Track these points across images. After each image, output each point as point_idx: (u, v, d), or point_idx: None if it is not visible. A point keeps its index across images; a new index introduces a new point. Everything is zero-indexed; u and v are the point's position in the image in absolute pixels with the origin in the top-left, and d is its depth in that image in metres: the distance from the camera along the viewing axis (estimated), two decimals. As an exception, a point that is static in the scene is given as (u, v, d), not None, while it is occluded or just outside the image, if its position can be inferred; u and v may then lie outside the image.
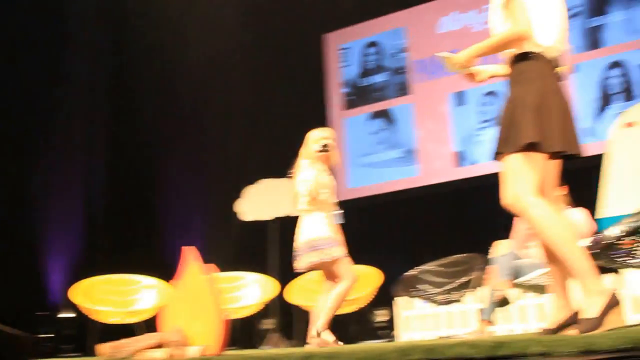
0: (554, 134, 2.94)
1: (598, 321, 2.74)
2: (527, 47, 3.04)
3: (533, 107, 2.94)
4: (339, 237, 5.04)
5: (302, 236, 5.00)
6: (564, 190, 5.36)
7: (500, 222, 5.33)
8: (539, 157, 2.97)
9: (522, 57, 3.05)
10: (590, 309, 2.78)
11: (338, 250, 4.90)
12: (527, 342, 2.12)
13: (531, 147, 2.93)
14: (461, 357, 1.86)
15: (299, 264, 5.00)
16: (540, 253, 3.15)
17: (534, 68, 3.04)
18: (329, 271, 4.98)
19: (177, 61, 10.22)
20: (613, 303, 2.80)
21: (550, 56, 3.07)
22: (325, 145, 5.15)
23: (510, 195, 3.00)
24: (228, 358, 3.36)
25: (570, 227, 2.98)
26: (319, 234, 4.92)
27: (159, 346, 3.98)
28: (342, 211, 5.15)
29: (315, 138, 5.27)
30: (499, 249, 5.17)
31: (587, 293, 2.82)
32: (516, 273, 5.13)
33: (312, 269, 5.08)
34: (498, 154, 3.06)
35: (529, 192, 2.96)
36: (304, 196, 5.01)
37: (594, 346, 1.95)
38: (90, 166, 10.34)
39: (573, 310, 3.05)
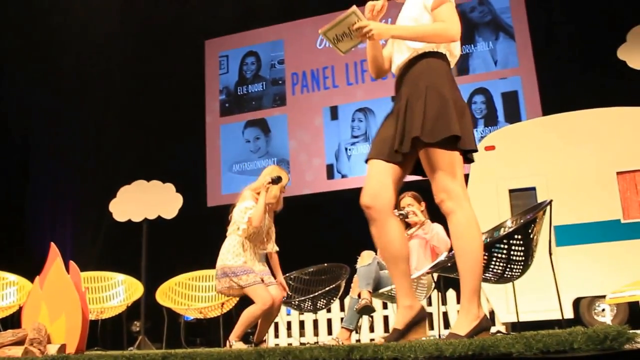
0: (469, 132, 2.98)
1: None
2: (441, 48, 3.11)
3: (452, 102, 2.96)
4: (257, 265, 5.26)
5: (219, 261, 5.26)
6: (422, 206, 5.55)
7: (367, 233, 5.44)
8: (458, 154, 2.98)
9: (434, 55, 3.10)
10: (463, 328, 2.82)
11: (248, 278, 5.06)
12: (378, 347, 2.16)
13: (454, 141, 2.92)
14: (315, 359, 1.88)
15: (217, 286, 5.25)
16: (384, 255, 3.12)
17: (444, 68, 3.10)
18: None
19: (56, 56, 9.91)
20: (484, 327, 2.86)
21: (453, 64, 3.19)
22: (275, 179, 5.28)
23: (442, 190, 2.96)
24: (85, 357, 3.28)
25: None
26: (231, 262, 5.17)
27: (19, 343, 3.85)
28: (265, 252, 5.39)
29: (269, 171, 5.48)
30: (365, 259, 5.26)
31: (466, 312, 2.87)
32: (379, 283, 5.25)
33: (225, 293, 5.29)
34: (418, 143, 2.94)
35: (463, 192, 2.98)
36: (236, 223, 5.30)
37: (443, 352, 2.01)
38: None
39: (418, 308, 3.08)
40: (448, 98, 2.96)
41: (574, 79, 8.41)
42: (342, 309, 7.89)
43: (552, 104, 8.26)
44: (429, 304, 7.60)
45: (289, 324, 8.23)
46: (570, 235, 6.62)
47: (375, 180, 3.09)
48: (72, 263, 4.42)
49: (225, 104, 10.40)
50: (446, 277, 5.40)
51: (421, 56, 3.10)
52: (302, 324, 8.32)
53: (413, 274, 5.24)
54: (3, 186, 9.83)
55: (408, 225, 5.59)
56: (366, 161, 3.17)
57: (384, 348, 2.26)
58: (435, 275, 5.37)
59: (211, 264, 7.56)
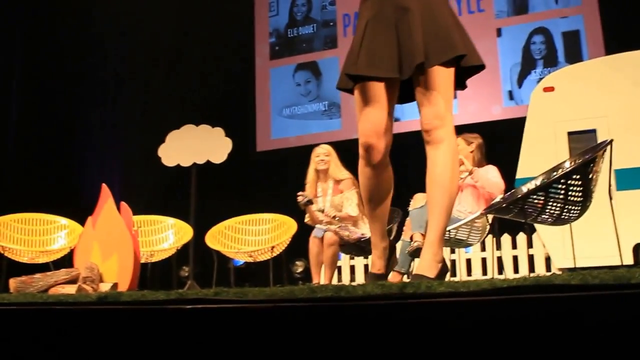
0: (474, 48, 2.86)
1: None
2: None
3: (456, 20, 2.85)
4: None
5: None
6: (473, 146, 5.52)
7: (420, 176, 5.44)
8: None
9: None
10: (431, 270, 2.75)
11: None
12: (431, 283, 2.20)
13: (455, 61, 2.77)
14: (368, 295, 1.91)
15: None
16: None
17: None
18: None
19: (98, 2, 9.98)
20: (445, 271, 2.87)
21: None
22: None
23: (436, 117, 2.78)
24: (137, 294, 3.37)
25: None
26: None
27: (72, 282, 3.97)
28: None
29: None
30: (417, 201, 5.27)
31: (433, 254, 2.78)
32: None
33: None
34: (424, 64, 2.72)
35: (452, 120, 2.83)
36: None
37: (497, 286, 2.02)
38: (4, 103, 10.05)
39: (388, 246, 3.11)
40: (455, 14, 2.86)
41: (640, 16, 8.18)
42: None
43: (616, 43, 8.03)
44: (483, 248, 7.59)
45: (339, 268, 8.29)
46: (632, 179, 6.51)
47: (379, 114, 2.89)
48: (123, 204, 4.53)
49: (275, 47, 10.37)
50: (501, 220, 5.38)
51: None
52: (352, 268, 8.39)
53: (467, 217, 5.24)
54: (52, 133, 10.02)
55: None
56: (353, 77, 2.89)
57: (437, 284, 2.28)
58: (490, 218, 5.36)
59: (260, 208, 7.70)
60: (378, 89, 2.86)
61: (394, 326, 1.60)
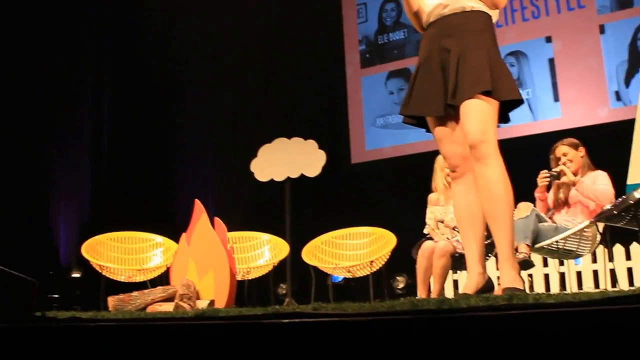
0: (510, 83, 3.16)
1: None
2: (484, 7, 3.27)
3: (493, 59, 3.15)
4: None
5: None
6: (582, 151, 5.38)
7: (522, 185, 5.34)
8: None
9: (478, 13, 3.26)
10: (519, 282, 2.91)
11: None
12: (540, 295, 2.16)
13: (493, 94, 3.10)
14: (472, 307, 1.88)
15: None
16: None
17: (489, 22, 3.28)
18: None
19: (188, 13, 10.20)
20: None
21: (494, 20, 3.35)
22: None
23: (480, 132, 3.04)
24: (234, 310, 3.41)
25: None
26: None
27: (169, 299, 4.05)
28: None
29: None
30: (522, 210, 5.17)
31: (511, 264, 2.97)
32: (537, 236, 5.14)
33: None
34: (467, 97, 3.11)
35: (495, 140, 3.07)
36: None
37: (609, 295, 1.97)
38: (98, 123, 10.41)
39: (487, 278, 3.20)
40: (495, 53, 3.20)
41: None
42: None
43: None
44: (594, 260, 7.36)
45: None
46: None
47: (448, 140, 3.30)
48: (217, 219, 4.60)
49: (366, 55, 10.36)
50: (612, 229, 5.22)
51: (469, 12, 3.25)
52: (455, 283, 8.29)
53: (575, 227, 5.11)
54: (145, 151, 10.29)
55: (549, 187, 5.46)
56: (408, 117, 3.44)
57: (546, 296, 2.24)
58: (601, 227, 5.20)
59: (357, 222, 7.68)
60: (437, 121, 3.32)
61: (500, 338, 1.57)
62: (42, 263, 9.23)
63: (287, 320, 1.78)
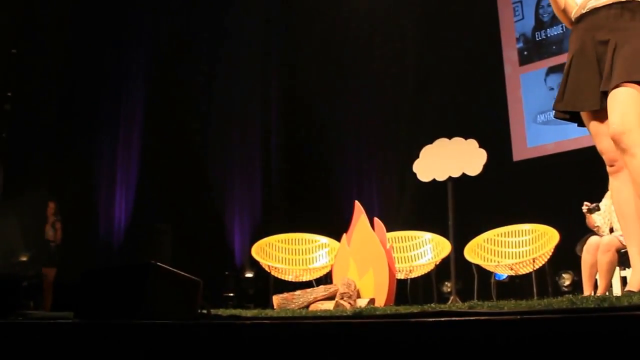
0: None
1: None
2: None
3: None
4: None
5: None
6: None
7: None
8: None
9: (636, 3, 3.11)
10: None
11: None
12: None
13: None
14: (634, 305, 1.81)
15: None
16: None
17: None
18: None
19: (348, 16, 10.34)
20: None
21: None
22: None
23: (619, 124, 2.90)
24: (392, 308, 3.44)
25: None
26: None
27: (330, 298, 4.14)
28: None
29: None
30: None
31: None
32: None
33: None
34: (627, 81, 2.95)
35: (639, 128, 2.91)
36: None
37: None
38: (266, 130, 10.72)
39: None
40: None
41: None
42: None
43: None
44: None
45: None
46: None
47: (606, 133, 3.07)
48: (376, 220, 4.65)
49: (524, 52, 10.11)
50: None
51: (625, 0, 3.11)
52: (623, 280, 7.95)
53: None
54: (308, 156, 10.51)
55: None
56: (560, 112, 3.28)
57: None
58: None
59: (519, 219, 7.52)
60: (592, 116, 3.17)
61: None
62: (219, 264, 9.66)
63: (432, 319, 1.78)
